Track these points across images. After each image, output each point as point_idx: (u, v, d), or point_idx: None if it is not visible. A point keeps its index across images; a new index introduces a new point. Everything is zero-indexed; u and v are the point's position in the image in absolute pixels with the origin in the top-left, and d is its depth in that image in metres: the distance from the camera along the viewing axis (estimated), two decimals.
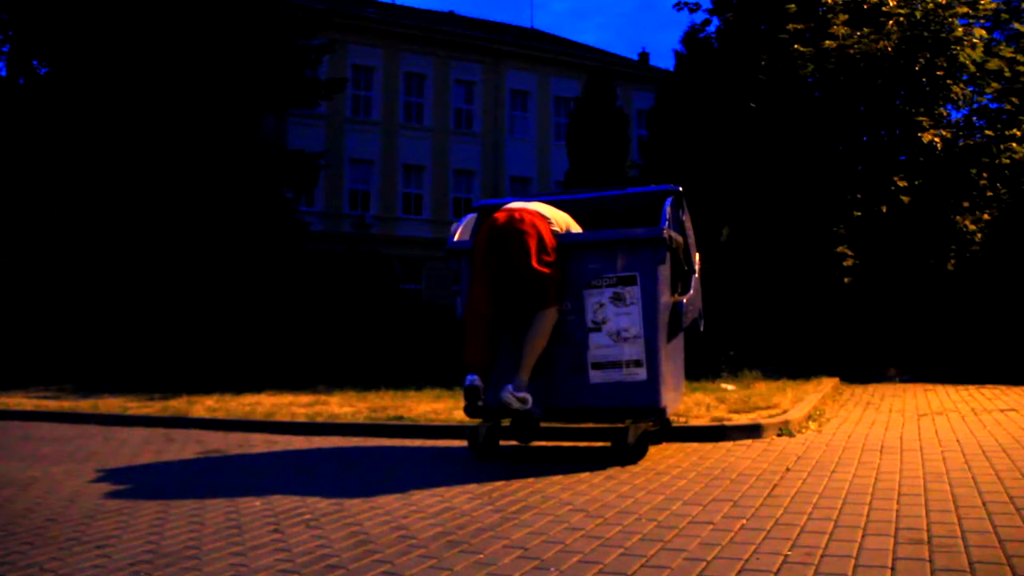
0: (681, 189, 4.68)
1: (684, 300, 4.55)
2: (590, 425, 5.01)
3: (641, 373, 4.17)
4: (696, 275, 4.81)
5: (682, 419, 5.30)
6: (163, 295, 13.96)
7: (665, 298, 4.32)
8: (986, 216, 11.55)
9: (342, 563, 2.58)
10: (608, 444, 4.70)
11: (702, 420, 5.30)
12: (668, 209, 4.38)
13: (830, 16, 11.36)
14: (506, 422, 4.86)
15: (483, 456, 4.53)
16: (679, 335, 4.66)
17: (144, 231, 14.18)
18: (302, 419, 6.47)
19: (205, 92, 14.72)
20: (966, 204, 11.41)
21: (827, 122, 11.38)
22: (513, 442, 4.96)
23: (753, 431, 5.00)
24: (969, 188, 11.34)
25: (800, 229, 11.11)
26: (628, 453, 4.24)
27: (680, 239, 4.57)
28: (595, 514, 3.10)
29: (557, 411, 4.51)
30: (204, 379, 10.41)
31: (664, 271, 4.29)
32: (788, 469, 3.90)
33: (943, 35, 10.95)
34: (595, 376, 4.24)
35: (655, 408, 4.20)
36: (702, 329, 4.91)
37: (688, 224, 4.79)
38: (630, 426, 4.28)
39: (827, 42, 11.00)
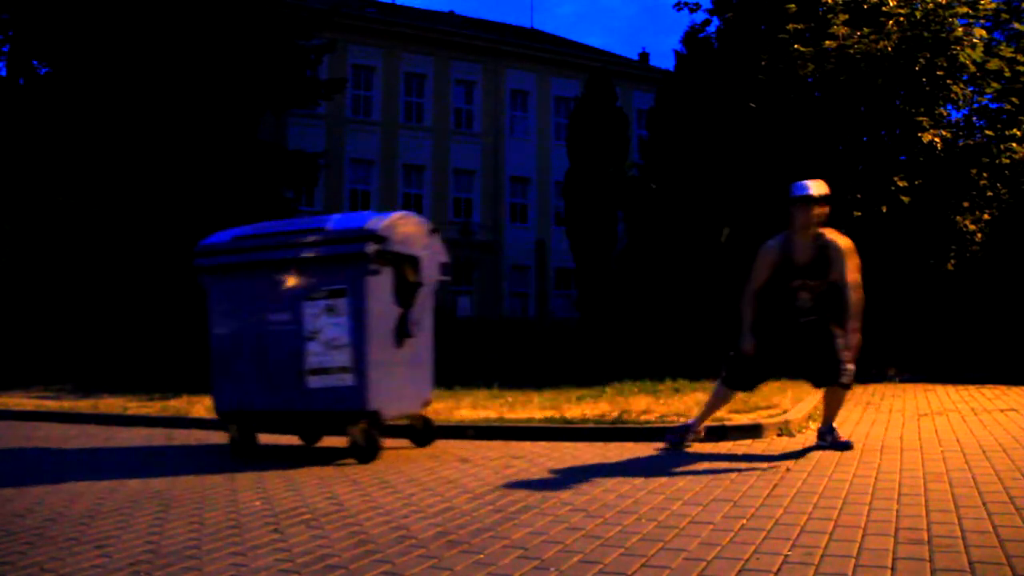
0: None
1: (412, 311, 4.82)
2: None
3: (349, 379, 4.50)
4: (425, 287, 4.98)
5: (681, 419, 5.30)
6: (163, 295, 13.93)
7: (380, 308, 4.59)
8: (986, 216, 11.53)
9: (342, 563, 2.58)
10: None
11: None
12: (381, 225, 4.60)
13: (830, 16, 11.35)
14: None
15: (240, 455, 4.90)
16: (413, 341, 4.89)
17: (144, 231, 14.15)
18: None
19: (205, 92, 14.69)
20: (966, 204, 11.38)
21: (827, 122, 11.36)
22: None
23: (753, 431, 5.00)
24: (969, 188, 11.32)
25: None
26: (362, 452, 4.57)
27: (417, 255, 4.84)
28: (595, 514, 3.10)
29: (279, 415, 4.88)
30: (204, 379, 10.36)
31: (376, 283, 4.54)
32: (788, 469, 3.90)
33: (943, 35, 10.92)
34: (313, 381, 4.60)
35: (365, 411, 4.52)
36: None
37: (436, 242, 5.09)
38: (360, 429, 4.57)
39: (827, 42, 10.99)
